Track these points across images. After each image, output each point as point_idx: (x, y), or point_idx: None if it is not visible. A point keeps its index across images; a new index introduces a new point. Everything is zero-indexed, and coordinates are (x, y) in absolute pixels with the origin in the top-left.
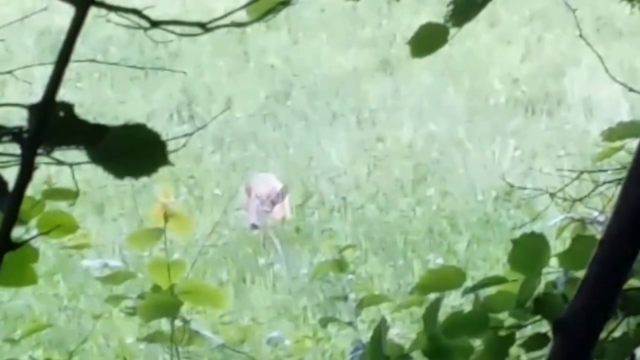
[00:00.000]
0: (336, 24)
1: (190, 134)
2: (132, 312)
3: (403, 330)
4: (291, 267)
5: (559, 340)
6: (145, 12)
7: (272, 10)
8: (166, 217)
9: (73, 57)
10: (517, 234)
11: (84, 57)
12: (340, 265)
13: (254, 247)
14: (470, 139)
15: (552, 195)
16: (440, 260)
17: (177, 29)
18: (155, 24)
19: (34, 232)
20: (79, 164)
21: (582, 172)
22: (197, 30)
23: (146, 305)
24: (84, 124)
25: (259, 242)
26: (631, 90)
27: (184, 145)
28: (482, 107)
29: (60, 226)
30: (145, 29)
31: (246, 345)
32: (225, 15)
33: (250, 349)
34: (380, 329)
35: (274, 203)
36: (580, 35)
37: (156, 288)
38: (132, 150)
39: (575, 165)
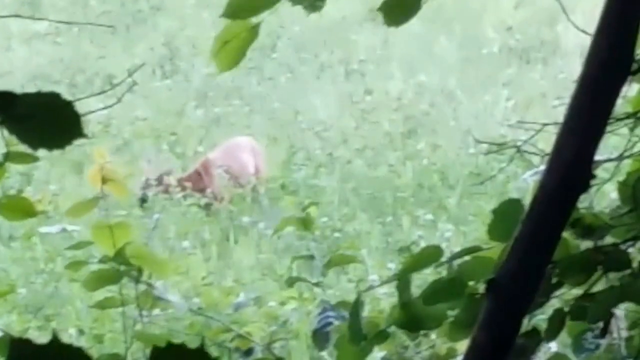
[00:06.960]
0: None
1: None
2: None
3: (390, 290)
4: (276, 225)
5: (492, 300)
6: None
7: None
8: (104, 180)
9: (52, 11)
10: (508, 187)
11: (64, 11)
12: (305, 223)
13: (238, 205)
14: (462, 90)
15: (518, 148)
16: (430, 217)
17: None
18: None
19: None
20: None
21: (545, 125)
22: None
23: (94, 274)
24: None
25: (243, 199)
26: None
27: None
28: (475, 56)
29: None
30: None
31: (225, 307)
32: None
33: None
34: (358, 306)
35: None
36: None
37: (108, 256)
38: (44, 120)
39: None
